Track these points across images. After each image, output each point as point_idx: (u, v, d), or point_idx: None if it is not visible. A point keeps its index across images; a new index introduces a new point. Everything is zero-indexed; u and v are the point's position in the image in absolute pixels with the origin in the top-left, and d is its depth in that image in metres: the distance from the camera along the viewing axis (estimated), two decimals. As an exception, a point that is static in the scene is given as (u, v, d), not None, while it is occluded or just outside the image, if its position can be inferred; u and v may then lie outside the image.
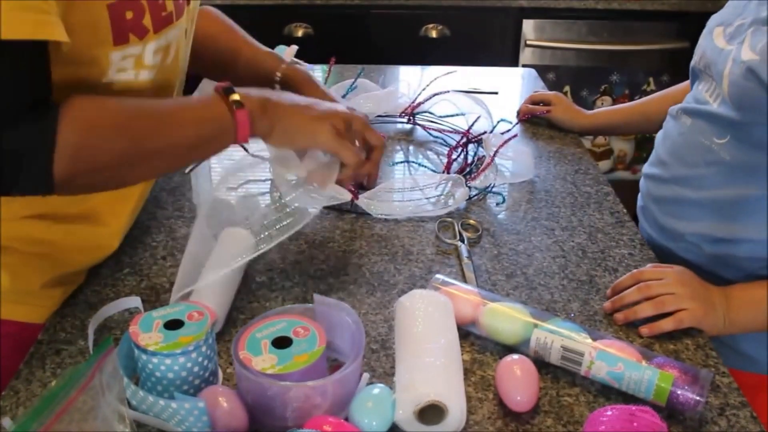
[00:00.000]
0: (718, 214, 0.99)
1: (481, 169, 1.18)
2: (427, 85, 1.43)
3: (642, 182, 1.16)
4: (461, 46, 2.33)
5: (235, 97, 0.81)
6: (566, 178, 1.24)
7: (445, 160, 1.23)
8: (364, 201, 1.07)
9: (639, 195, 1.16)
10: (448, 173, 1.19)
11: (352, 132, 0.91)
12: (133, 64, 0.80)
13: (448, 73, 1.52)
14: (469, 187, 1.14)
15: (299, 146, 0.90)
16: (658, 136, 1.13)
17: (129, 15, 0.76)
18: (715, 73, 0.98)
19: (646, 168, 1.15)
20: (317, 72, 1.67)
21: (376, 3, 2.28)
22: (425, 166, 1.26)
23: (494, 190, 1.17)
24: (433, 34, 2.31)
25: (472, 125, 1.29)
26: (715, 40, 1.00)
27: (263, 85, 1.04)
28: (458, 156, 1.25)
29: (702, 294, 0.89)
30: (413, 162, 1.28)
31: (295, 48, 1.62)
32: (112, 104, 0.77)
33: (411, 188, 1.11)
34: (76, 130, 0.71)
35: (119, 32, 0.76)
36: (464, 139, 1.28)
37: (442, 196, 1.14)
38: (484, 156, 1.24)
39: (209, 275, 0.85)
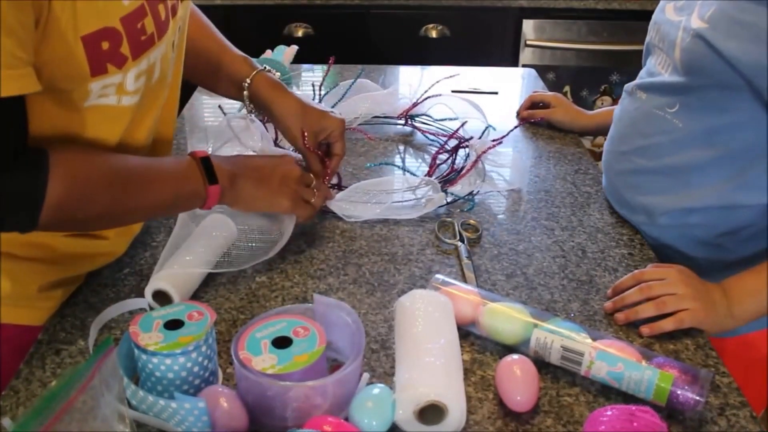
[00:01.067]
0: (676, 180, 1.02)
1: (460, 174, 1.18)
2: (430, 88, 1.43)
3: (603, 159, 1.17)
4: (461, 46, 2.33)
5: (211, 170, 0.87)
6: (566, 178, 1.24)
7: (447, 165, 1.23)
8: (335, 204, 1.08)
9: (603, 174, 1.18)
10: (430, 177, 1.18)
11: (305, 182, 0.99)
12: (115, 90, 0.78)
13: (451, 76, 1.52)
14: (446, 192, 1.13)
15: (261, 211, 1.00)
16: (616, 113, 1.16)
17: (105, 45, 0.73)
18: (667, 44, 1.01)
19: (606, 145, 1.16)
20: (317, 71, 1.67)
21: (376, 3, 2.28)
22: (406, 170, 1.25)
23: (478, 196, 1.15)
24: (433, 34, 2.31)
25: (458, 130, 1.29)
26: (666, 14, 1.04)
27: (235, 92, 1.07)
28: (446, 160, 1.25)
29: (703, 293, 0.89)
30: (390, 164, 1.27)
31: (295, 48, 1.63)
32: (100, 162, 0.79)
33: (380, 190, 1.11)
34: (65, 185, 0.74)
35: (96, 64, 0.73)
36: (448, 144, 1.28)
37: (423, 200, 1.13)
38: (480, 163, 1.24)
39: (182, 256, 0.91)
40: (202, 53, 1.07)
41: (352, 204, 1.09)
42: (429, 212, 1.11)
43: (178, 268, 0.90)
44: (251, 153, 1.07)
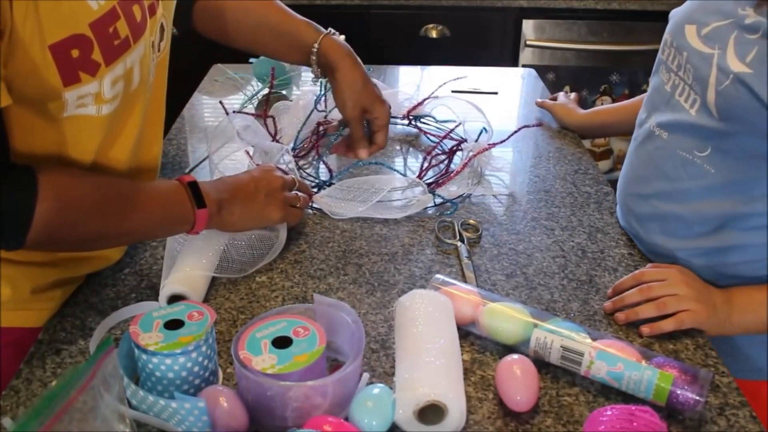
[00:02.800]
0: (708, 226, 0.96)
1: (448, 177, 1.18)
2: (438, 88, 1.43)
3: (619, 200, 1.11)
4: (461, 46, 2.33)
5: (199, 194, 0.87)
6: (566, 178, 1.24)
7: (443, 166, 1.23)
8: (321, 201, 1.09)
9: (618, 214, 1.11)
10: (420, 178, 1.18)
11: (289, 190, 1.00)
12: (93, 100, 0.76)
13: (458, 78, 1.52)
14: (434, 194, 1.14)
15: (253, 229, 0.99)
16: (630, 150, 1.08)
17: (75, 53, 0.71)
18: (696, 79, 0.93)
19: (623, 186, 1.09)
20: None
21: (376, 3, 2.28)
22: (395, 169, 1.24)
23: (476, 198, 1.15)
24: (433, 34, 2.31)
25: (451, 131, 1.29)
26: (689, 39, 0.96)
27: (301, 57, 1.08)
28: (442, 161, 1.25)
29: (704, 295, 0.89)
30: (380, 164, 1.27)
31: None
32: (89, 184, 0.79)
33: (365, 189, 1.10)
34: (54, 207, 0.73)
35: (67, 73, 0.71)
36: (445, 145, 1.28)
37: (414, 200, 1.13)
38: (476, 165, 1.24)
39: (191, 257, 0.92)
40: (264, 21, 1.08)
41: (338, 201, 1.09)
42: (419, 212, 1.11)
43: (191, 270, 0.90)
44: (239, 171, 1.06)
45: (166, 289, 0.87)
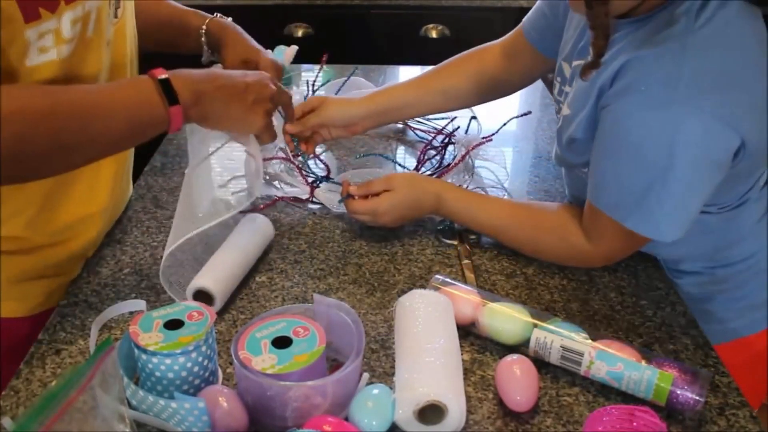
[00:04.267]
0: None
1: (446, 169, 1.19)
2: None
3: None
4: (461, 46, 2.32)
5: (171, 90, 0.81)
6: (563, 178, 1.24)
7: (435, 161, 1.24)
8: (322, 195, 1.09)
9: None
10: (417, 171, 1.19)
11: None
12: (53, 40, 0.75)
13: None
14: None
15: (231, 132, 0.95)
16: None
17: None
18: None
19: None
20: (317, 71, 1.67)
21: (376, 3, 2.28)
22: (396, 162, 1.26)
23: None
24: (433, 34, 2.31)
25: (445, 127, 1.31)
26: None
27: (193, 43, 1.09)
28: (434, 156, 1.26)
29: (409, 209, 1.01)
30: (380, 155, 1.28)
31: (295, 48, 1.62)
32: (39, 92, 0.74)
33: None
34: (2, 119, 0.69)
35: (28, 8, 0.71)
36: (436, 140, 1.29)
37: None
38: (468, 158, 1.24)
39: (229, 255, 0.93)
40: (157, 18, 1.09)
41: (339, 195, 1.09)
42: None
43: (222, 271, 0.90)
44: (240, 171, 1.09)
45: (198, 282, 0.87)
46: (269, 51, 1.12)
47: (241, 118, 0.90)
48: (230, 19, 1.13)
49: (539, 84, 1.69)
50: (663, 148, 0.79)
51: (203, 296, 0.88)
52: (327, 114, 1.15)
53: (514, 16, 2.30)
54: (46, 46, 0.75)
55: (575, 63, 0.96)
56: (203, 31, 1.09)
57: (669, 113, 0.78)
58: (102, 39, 0.84)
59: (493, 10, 2.28)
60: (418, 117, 1.32)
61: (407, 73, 1.75)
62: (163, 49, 1.14)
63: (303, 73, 1.64)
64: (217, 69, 0.94)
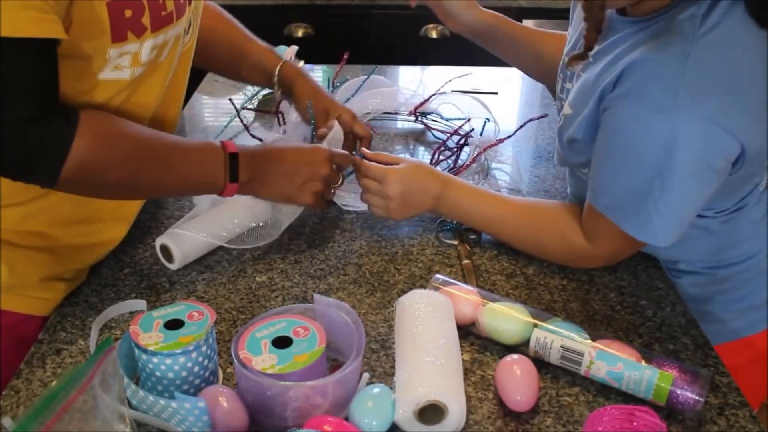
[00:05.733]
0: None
1: (457, 171, 1.19)
2: (443, 85, 1.44)
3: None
4: (461, 46, 2.30)
5: (236, 168, 0.90)
6: (566, 178, 1.24)
7: (450, 162, 1.24)
8: (336, 195, 1.09)
9: None
10: None
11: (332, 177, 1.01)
12: (130, 61, 0.81)
13: (463, 75, 1.53)
14: None
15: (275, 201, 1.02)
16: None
17: (128, 13, 0.77)
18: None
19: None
20: (317, 72, 1.67)
21: (377, 3, 2.28)
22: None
23: None
24: (433, 34, 2.31)
25: (460, 127, 1.31)
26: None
27: (263, 80, 1.18)
28: (449, 156, 1.26)
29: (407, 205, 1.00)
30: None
31: (295, 48, 1.62)
32: (129, 129, 0.83)
33: None
34: (90, 143, 0.77)
35: (118, 30, 0.77)
36: (452, 140, 1.29)
37: None
38: (483, 160, 1.24)
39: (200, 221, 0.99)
40: (227, 42, 1.16)
41: (350, 194, 1.10)
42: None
43: (186, 231, 0.96)
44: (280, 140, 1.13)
45: (158, 239, 0.96)
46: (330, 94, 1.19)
47: (288, 196, 0.97)
48: (302, 63, 1.23)
49: (539, 85, 1.69)
50: (662, 152, 0.80)
51: (167, 252, 0.97)
52: (455, 7, 1.16)
53: (514, 16, 2.29)
54: (121, 65, 0.80)
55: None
56: (277, 71, 1.16)
57: (669, 118, 0.79)
58: (171, 63, 0.89)
59: (493, 10, 2.28)
60: (508, 60, 1.29)
61: (407, 73, 1.75)
62: (224, 74, 1.24)
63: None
64: (276, 144, 1.02)
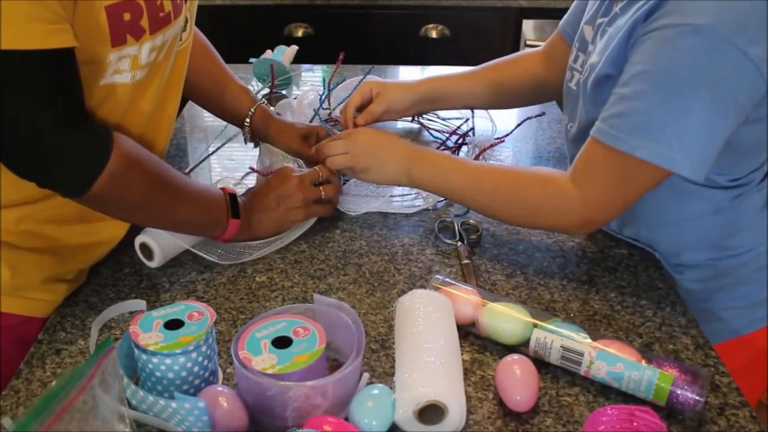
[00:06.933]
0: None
1: None
2: None
3: None
4: (461, 46, 2.33)
5: (236, 206, 0.96)
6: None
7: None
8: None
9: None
10: None
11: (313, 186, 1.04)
12: (130, 65, 0.81)
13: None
14: None
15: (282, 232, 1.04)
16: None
17: (127, 17, 0.77)
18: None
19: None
20: (317, 72, 1.67)
21: (377, 3, 2.28)
22: None
23: None
24: (433, 34, 2.31)
25: (459, 127, 1.31)
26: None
27: (238, 118, 1.18)
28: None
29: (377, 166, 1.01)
30: None
31: (295, 48, 1.62)
32: (152, 159, 0.87)
33: (376, 185, 1.12)
34: (124, 162, 0.80)
35: (117, 34, 0.77)
36: (450, 140, 1.29)
37: (423, 195, 1.14)
38: (483, 160, 1.25)
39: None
40: (206, 73, 1.15)
41: (353, 197, 1.10)
42: (429, 211, 1.11)
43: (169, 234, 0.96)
44: (238, 170, 1.14)
45: (138, 237, 0.97)
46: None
47: (281, 223, 1.02)
48: (272, 108, 1.23)
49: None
50: (689, 78, 0.79)
51: (147, 250, 0.97)
52: (390, 101, 1.20)
53: (514, 16, 2.30)
54: (121, 69, 0.81)
55: (599, 20, 0.96)
56: (251, 113, 1.17)
57: (702, 45, 0.78)
58: (168, 62, 0.90)
59: (493, 10, 2.28)
60: (467, 108, 1.32)
61: (407, 73, 1.75)
62: (202, 105, 1.24)
63: (303, 73, 1.64)
64: (250, 192, 1.04)
